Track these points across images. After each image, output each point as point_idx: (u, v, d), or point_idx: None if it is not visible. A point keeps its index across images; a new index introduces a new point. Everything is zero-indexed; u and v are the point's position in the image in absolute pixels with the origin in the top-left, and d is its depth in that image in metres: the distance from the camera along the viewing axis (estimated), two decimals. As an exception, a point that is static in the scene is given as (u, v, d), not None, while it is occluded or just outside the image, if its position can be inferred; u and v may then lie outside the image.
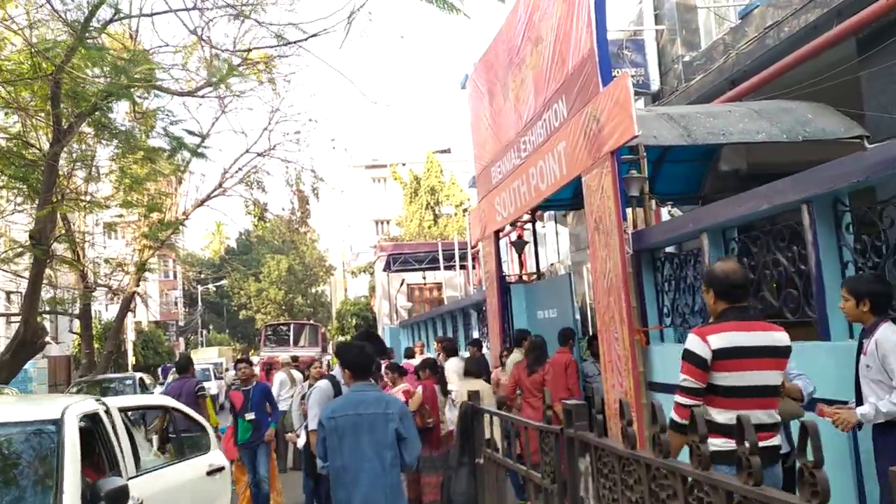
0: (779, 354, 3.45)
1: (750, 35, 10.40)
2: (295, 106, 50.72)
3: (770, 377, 3.41)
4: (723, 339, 3.38)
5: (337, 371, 5.15)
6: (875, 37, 8.30)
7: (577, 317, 10.08)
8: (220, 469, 5.71)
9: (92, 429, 4.38)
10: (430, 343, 17.23)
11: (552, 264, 18.28)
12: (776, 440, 3.49)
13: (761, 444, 2.60)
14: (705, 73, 11.25)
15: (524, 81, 9.58)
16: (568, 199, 11.68)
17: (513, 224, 12.43)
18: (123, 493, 3.68)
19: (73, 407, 4.06)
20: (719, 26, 11.75)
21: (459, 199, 42.68)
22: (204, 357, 35.27)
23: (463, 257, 25.72)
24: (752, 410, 3.21)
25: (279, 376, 11.64)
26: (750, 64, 10.14)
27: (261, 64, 19.12)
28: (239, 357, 9.34)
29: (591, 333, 9.65)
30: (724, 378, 3.37)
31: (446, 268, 25.67)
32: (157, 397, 7.86)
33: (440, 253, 24.62)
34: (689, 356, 3.43)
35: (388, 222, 48.32)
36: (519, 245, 11.75)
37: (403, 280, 29.35)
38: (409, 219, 43.04)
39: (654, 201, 8.01)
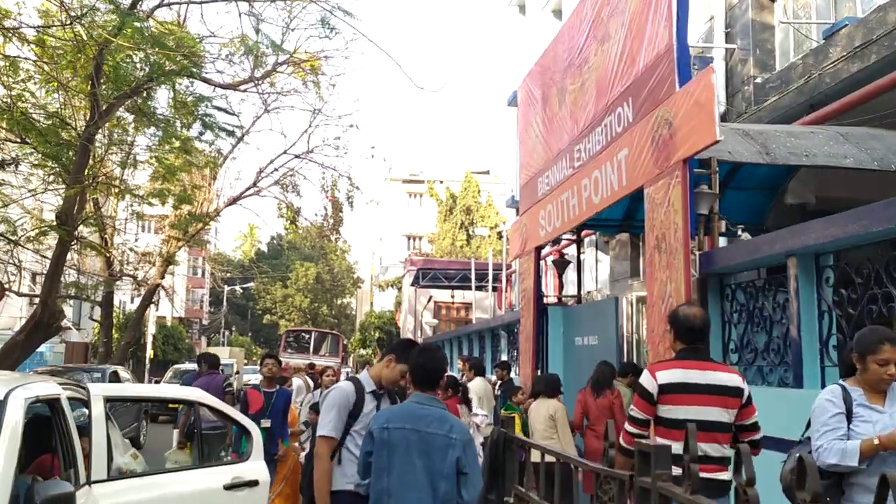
0: (726, 393, 3.74)
1: (834, 56, 9.49)
2: (337, 110, 50.34)
3: (715, 413, 3.73)
4: (670, 375, 3.77)
5: (364, 375, 4.32)
6: None
7: (623, 345, 9.17)
8: (250, 484, 4.53)
9: (51, 418, 3.61)
10: (454, 362, 16.37)
11: (588, 292, 17.33)
12: (725, 475, 3.70)
13: (708, 475, 3.49)
14: (780, 95, 10.34)
15: (585, 84, 8.78)
16: (618, 221, 10.83)
17: (555, 242, 11.58)
18: (65, 500, 2.88)
19: (21, 389, 3.29)
20: (798, 47, 10.84)
21: (494, 222, 41.93)
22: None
23: (495, 279, 24.85)
24: (698, 443, 3.23)
25: (295, 381, 10.85)
26: (834, 86, 9.23)
27: (307, 65, 18.66)
28: (265, 353, 8.22)
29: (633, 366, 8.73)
30: (669, 411, 3.75)
31: (477, 288, 24.81)
32: (185, 389, 6.65)
33: (472, 272, 23.77)
34: (639, 389, 3.87)
35: (419, 238, 47.67)
36: (561, 265, 10.89)
37: (431, 297, 28.52)
38: (441, 237, 42.38)
39: (724, 222, 7.15)
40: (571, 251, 12.53)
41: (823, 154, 7.54)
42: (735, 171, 9.40)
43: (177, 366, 24.38)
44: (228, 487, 4.44)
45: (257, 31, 9.93)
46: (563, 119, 9.54)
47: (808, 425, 3.40)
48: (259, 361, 7.94)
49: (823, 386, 5.04)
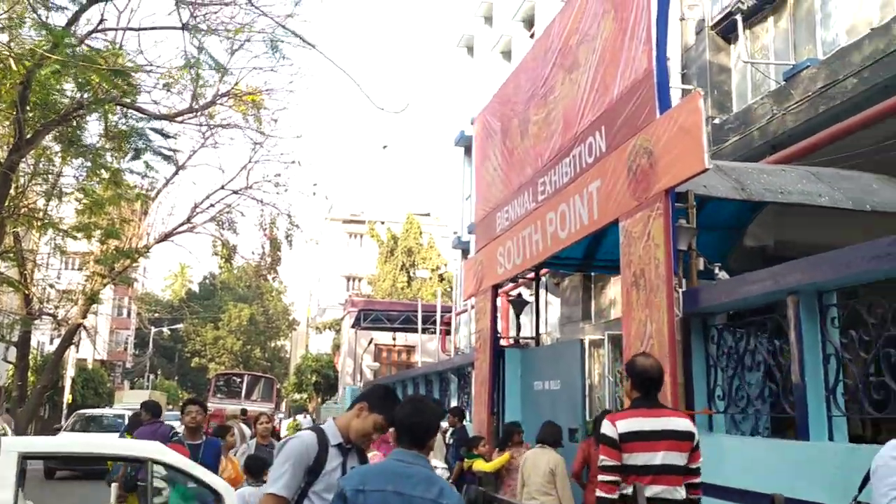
0: (680, 438, 3.94)
1: (796, 97, 9.39)
2: (279, 146, 49.28)
3: (670, 457, 3.91)
4: (629, 424, 3.96)
5: (330, 425, 3.64)
6: (959, 101, 7.28)
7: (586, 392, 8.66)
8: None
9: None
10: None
11: (538, 335, 16.88)
12: None
13: None
14: (741, 135, 10.19)
15: (550, 114, 8.39)
16: (578, 259, 10.41)
17: (512, 280, 11.09)
18: None
19: None
20: (756, 88, 10.76)
21: (436, 264, 41.45)
22: (132, 400, 30.86)
23: (434, 322, 24.25)
24: (655, 486, 3.86)
25: (228, 429, 9.94)
26: (797, 127, 9.09)
27: (248, 98, 18.02)
28: (188, 399, 7.08)
29: (600, 412, 8.20)
30: (630, 458, 3.90)
31: (423, 331, 24.12)
32: (137, 444, 5.52)
33: (419, 314, 23.09)
34: (603, 438, 4.02)
35: (359, 280, 46.76)
36: (518, 305, 10.37)
37: (372, 339, 27.66)
38: (381, 278, 41.62)
39: (702, 260, 6.77)
40: (520, 291, 12.05)
41: (798, 192, 7.27)
42: (698, 210, 9.13)
43: (81, 411, 22.20)
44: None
45: (200, 48, 9.19)
46: (525, 151, 9.12)
47: (862, 485, 2.89)
48: (181, 408, 6.83)
49: (831, 438, 4.61)
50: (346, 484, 2.99)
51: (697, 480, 4.03)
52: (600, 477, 3.99)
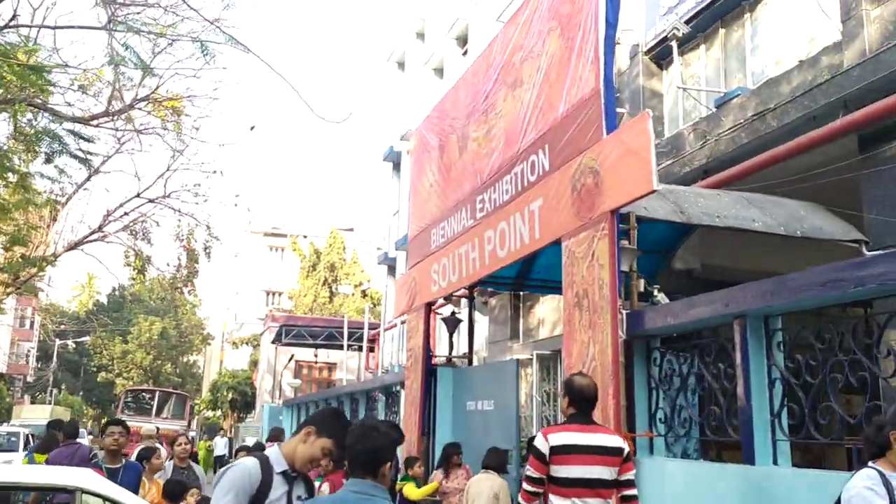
0: (609, 453, 4.16)
1: (727, 124, 9.61)
2: (200, 154, 47.65)
3: (599, 471, 4.13)
4: (561, 437, 4.20)
5: (274, 451, 3.36)
6: (882, 134, 7.54)
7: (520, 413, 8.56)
8: None
9: None
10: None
11: (463, 354, 16.77)
12: None
13: None
14: (673, 160, 10.36)
15: (491, 131, 8.31)
16: (511, 278, 10.33)
17: (446, 299, 10.92)
18: None
19: None
20: (687, 115, 11.00)
21: (359, 280, 40.98)
22: (32, 416, 27.75)
23: (362, 339, 23.86)
24: (586, 499, 4.10)
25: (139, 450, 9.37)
26: (728, 153, 9.28)
27: (169, 105, 17.39)
28: (110, 420, 6.42)
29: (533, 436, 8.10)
30: (560, 470, 4.13)
31: (341, 347, 23.66)
32: (62, 472, 4.90)
33: (345, 330, 22.64)
34: (532, 450, 4.27)
35: (279, 294, 45.74)
36: (452, 323, 10.21)
37: (293, 356, 27.00)
38: (303, 293, 40.82)
39: (642, 281, 6.77)
40: (453, 310, 11.91)
41: (733, 217, 7.38)
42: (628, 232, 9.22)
43: None
44: None
45: (126, 46, 8.73)
46: (464, 167, 9.01)
47: None
48: (100, 429, 6.26)
49: (775, 461, 4.61)
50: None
51: (632, 492, 4.20)
52: (524, 486, 4.27)
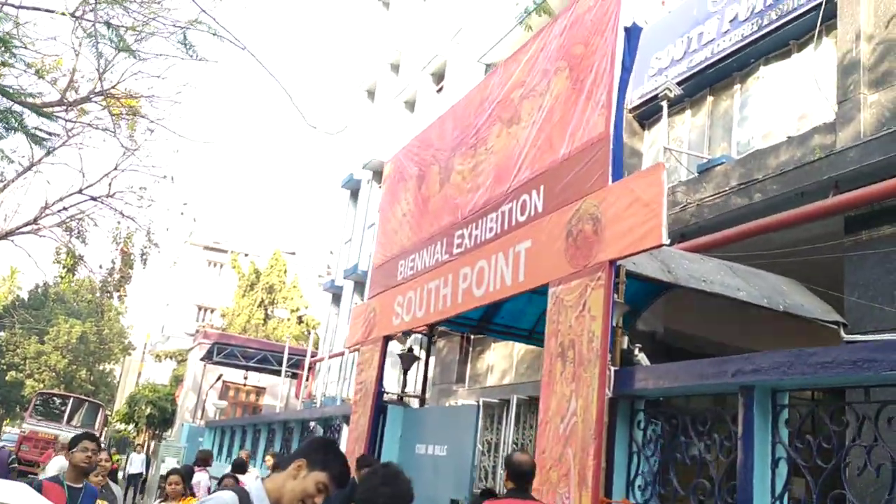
0: None
1: (708, 191, 9.56)
2: (152, 157, 46.17)
3: None
4: None
5: (257, 488, 2.87)
6: (870, 218, 7.53)
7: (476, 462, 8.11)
8: None
9: None
10: (259, 456, 14.39)
11: (401, 395, 16.25)
12: None
13: None
14: (650, 219, 10.24)
15: (479, 166, 8.02)
16: (474, 320, 9.97)
17: (405, 334, 10.46)
18: None
19: None
20: (668, 176, 10.94)
21: (297, 305, 40.06)
22: None
23: (296, 365, 23.08)
24: None
25: (57, 461, 8.61)
26: (710, 220, 9.20)
27: (126, 103, 16.75)
28: (81, 433, 5.58)
29: (484, 487, 7.65)
30: None
31: (274, 372, 22.82)
32: None
33: (285, 355, 21.83)
34: None
35: (212, 311, 44.32)
36: (408, 360, 9.77)
37: (221, 376, 25.91)
38: (237, 312, 39.63)
39: (626, 338, 6.51)
40: (410, 346, 11.45)
41: (719, 283, 7.21)
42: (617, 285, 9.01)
43: None
44: None
45: (108, 24, 8.19)
46: (444, 200, 8.67)
47: None
48: (69, 443, 5.45)
49: (773, 546, 4.30)
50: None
51: None
52: None
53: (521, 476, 4.65)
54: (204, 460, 10.41)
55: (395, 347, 11.49)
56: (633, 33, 6.20)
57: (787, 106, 9.42)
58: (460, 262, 7.85)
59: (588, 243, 5.87)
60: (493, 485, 7.80)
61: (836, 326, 7.57)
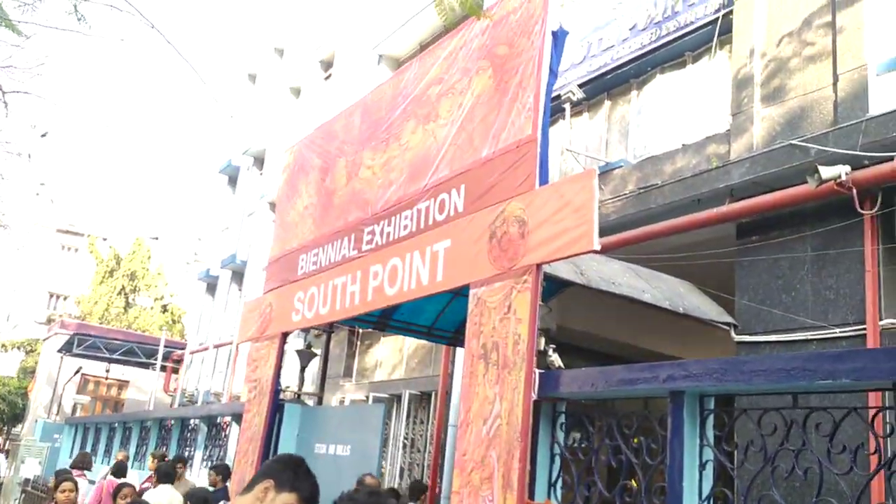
0: None
1: (606, 193, 9.86)
2: (5, 132, 42.60)
3: None
4: None
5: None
6: (760, 226, 8.00)
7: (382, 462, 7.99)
8: None
9: None
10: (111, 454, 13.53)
11: (287, 388, 15.84)
12: None
13: None
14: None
15: (392, 161, 7.85)
16: (375, 317, 9.79)
17: (304, 330, 10.14)
18: None
19: None
20: (564, 176, 11.20)
21: (161, 293, 38.18)
22: None
23: (165, 357, 21.98)
24: None
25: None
26: (609, 222, 9.48)
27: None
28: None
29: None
30: None
31: (142, 365, 21.63)
32: None
33: (161, 348, 20.67)
34: None
35: (65, 298, 41.45)
36: (306, 357, 9.47)
37: (80, 368, 24.23)
38: (94, 300, 37.25)
39: (542, 339, 6.57)
40: (309, 341, 11.13)
41: (627, 285, 7.44)
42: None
43: None
44: None
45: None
46: (351, 195, 8.44)
47: None
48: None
49: (700, 548, 4.46)
50: None
51: None
52: None
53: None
54: (83, 463, 9.66)
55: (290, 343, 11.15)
56: (559, 37, 6.26)
57: (681, 114, 9.85)
58: (371, 260, 7.66)
59: (513, 246, 5.86)
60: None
61: (727, 328, 8.01)
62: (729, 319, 8.03)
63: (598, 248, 5.25)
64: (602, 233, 9.59)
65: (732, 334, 7.95)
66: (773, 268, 7.80)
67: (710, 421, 4.61)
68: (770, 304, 7.69)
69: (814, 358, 3.99)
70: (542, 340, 6.68)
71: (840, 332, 6.96)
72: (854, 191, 6.68)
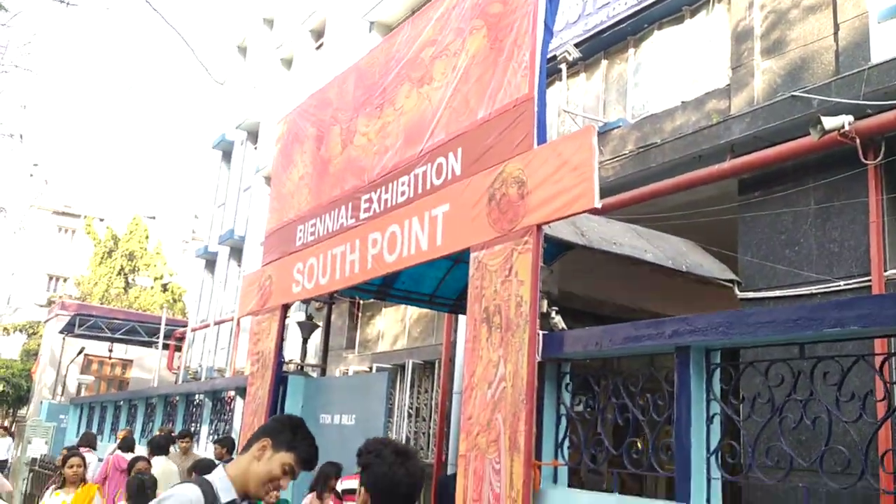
0: None
1: (605, 154, 9.74)
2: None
3: None
4: None
5: (220, 475, 2.62)
6: (762, 181, 7.91)
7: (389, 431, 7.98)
8: None
9: None
10: (139, 432, 13.57)
11: (290, 360, 15.85)
12: None
13: None
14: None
15: (387, 127, 7.73)
16: (375, 286, 9.72)
17: (305, 302, 10.08)
18: None
19: None
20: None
21: (161, 272, 38.12)
22: None
23: (167, 336, 21.99)
24: None
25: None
26: (608, 182, 9.37)
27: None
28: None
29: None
30: None
31: (144, 344, 21.65)
32: None
33: (163, 326, 20.67)
34: None
35: (65, 280, 41.42)
36: (308, 328, 9.42)
37: (83, 349, 24.27)
38: (93, 281, 37.22)
39: (545, 301, 6.52)
40: (310, 313, 11.09)
41: (629, 246, 7.37)
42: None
43: None
44: None
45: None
46: (347, 163, 8.33)
47: None
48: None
49: (709, 501, 4.44)
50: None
51: None
52: None
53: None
54: (88, 443, 9.69)
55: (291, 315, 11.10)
56: (554, -7, 6.10)
57: (680, 71, 9.70)
58: (369, 227, 7.57)
59: (513, 207, 5.77)
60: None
61: (730, 285, 7.96)
62: (732, 276, 7.97)
63: (598, 205, 5.16)
64: (602, 194, 9.48)
65: (736, 291, 7.89)
66: (775, 223, 7.72)
67: (717, 375, 4.56)
68: (774, 259, 7.62)
69: (820, 307, 3.94)
70: (545, 303, 6.61)
71: (845, 284, 6.90)
72: (857, 141, 6.58)
